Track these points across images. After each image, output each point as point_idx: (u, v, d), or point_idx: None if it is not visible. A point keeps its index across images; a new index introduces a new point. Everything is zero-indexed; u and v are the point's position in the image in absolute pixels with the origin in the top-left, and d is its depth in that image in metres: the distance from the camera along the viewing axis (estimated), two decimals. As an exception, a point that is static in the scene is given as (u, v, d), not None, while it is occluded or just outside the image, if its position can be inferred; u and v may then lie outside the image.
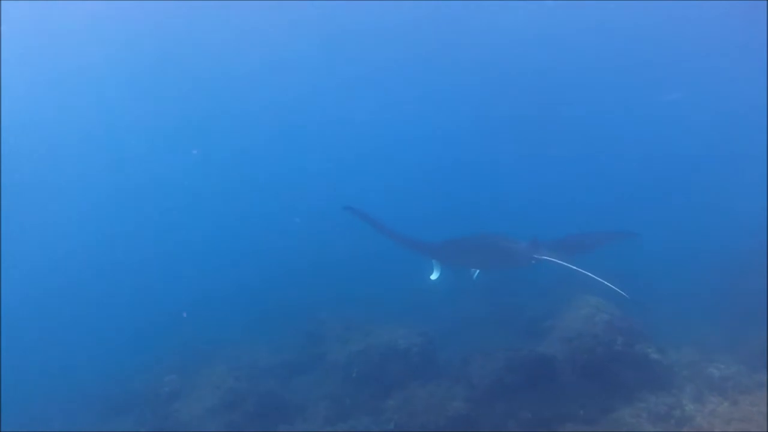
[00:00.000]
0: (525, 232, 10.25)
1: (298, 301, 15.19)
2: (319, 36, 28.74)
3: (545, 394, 9.56)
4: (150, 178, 28.22)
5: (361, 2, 26.19)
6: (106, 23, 25.18)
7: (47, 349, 14.93)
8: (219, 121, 31.91)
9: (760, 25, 22.76)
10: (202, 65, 30.00)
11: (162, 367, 12.54)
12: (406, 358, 10.86)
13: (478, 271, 10.76)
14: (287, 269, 17.91)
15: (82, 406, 12.24)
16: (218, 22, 26.45)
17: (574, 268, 8.92)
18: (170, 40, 27.74)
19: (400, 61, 31.14)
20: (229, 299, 16.61)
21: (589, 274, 8.70)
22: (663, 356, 9.97)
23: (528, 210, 22.89)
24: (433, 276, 10.83)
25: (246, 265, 18.87)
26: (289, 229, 21.81)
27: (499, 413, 9.37)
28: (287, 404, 10.96)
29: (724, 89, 28.75)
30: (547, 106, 28.56)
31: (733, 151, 26.13)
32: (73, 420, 11.59)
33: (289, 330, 13.75)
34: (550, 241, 10.07)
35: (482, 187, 26.76)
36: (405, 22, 27.93)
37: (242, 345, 13.49)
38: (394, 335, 11.22)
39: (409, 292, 13.83)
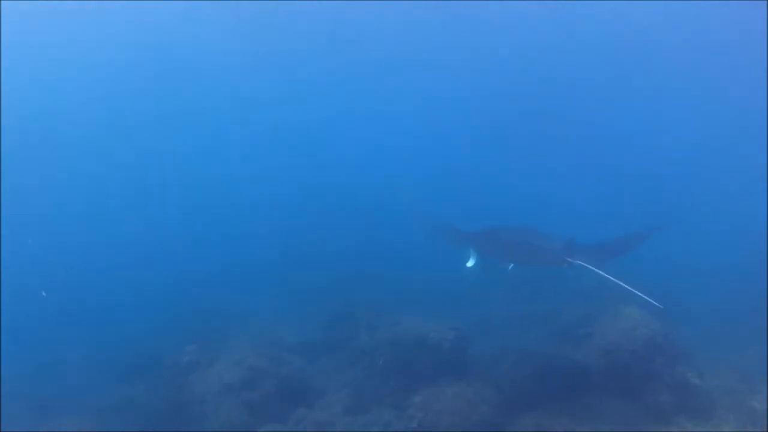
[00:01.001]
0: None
1: (329, 280, 14.93)
2: (321, 35, 28.58)
3: (577, 407, 9.23)
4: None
5: (364, 2, 25.60)
6: (106, 22, 25.08)
7: (71, 315, 14.87)
8: (221, 120, 32.25)
9: (760, 25, 22.55)
10: (203, 64, 30.18)
11: (183, 336, 12.26)
12: (435, 353, 10.32)
13: (512, 264, 10.43)
14: (322, 248, 17.66)
15: (100, 369, 12.11)
16: (218, 21, 26.11)
17: (609, 277, 8.55)
18: (171, 39, 27.80)
19: (413, 58, 30.90)
20: (259, 273, 16.41)
21: (623, 284, 8.36)
22: (703, 381, 9.58)
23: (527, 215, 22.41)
24: (469, 263, 10.53)
25: (280, 240, 18.67)
26: (325, 210, 21.66)
27: (527, 424, 9.02)
28: (308, 387, 10.69)
29: (724, 90, 28.48)
30: (549, 109, 28.08)
31: (734, 153, 25.92)
32: (87, 382, 11.47)
33: (318, 309, 13.51)
34: (585, 245, 9.66)
35: (485, 190, 26.48)
36: (406, 22, 27.61)
37: (268, 320, 13.30)
38: (425, 327, 10.70)
39: (442, 282, 13.53)
